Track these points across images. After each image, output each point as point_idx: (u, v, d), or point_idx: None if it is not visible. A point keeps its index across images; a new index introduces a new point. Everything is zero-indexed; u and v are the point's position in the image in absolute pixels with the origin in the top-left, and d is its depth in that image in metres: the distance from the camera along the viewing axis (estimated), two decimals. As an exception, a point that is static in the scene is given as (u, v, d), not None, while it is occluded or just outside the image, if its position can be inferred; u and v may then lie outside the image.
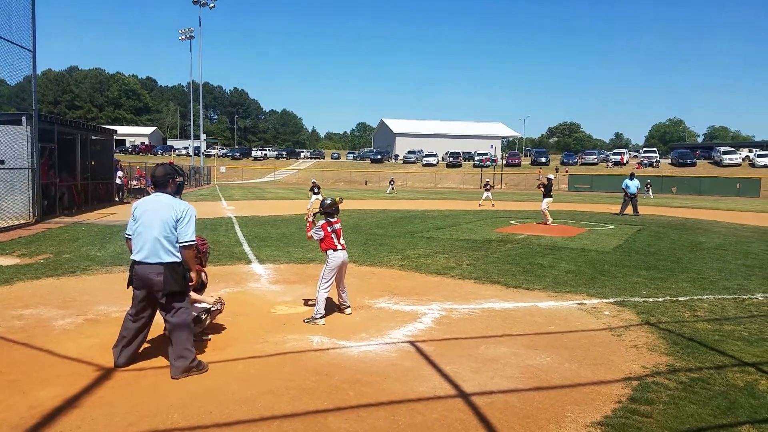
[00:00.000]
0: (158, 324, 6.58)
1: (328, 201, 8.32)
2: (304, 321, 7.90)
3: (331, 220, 8.19)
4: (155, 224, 5.84)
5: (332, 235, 8.11)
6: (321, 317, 7.86)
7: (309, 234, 8.24)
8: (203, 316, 6.96)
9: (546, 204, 23.04)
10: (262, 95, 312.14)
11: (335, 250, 8.09)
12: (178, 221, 5.86)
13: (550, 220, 22.83)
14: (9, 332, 7.15)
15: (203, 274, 7.24)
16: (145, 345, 6.46)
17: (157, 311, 6.14)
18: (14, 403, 5.06)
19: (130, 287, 6.12)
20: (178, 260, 5.92)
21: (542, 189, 23.43)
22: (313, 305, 8.08)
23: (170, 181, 6.13)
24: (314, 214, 8.39)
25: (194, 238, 5.99)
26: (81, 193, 25.69)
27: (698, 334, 7.51)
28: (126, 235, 6.13)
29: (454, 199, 46.42)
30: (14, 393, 5.27)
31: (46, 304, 8.58)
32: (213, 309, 7.09)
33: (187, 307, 6.05)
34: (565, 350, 6.86)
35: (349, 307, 8.44)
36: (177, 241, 5.89)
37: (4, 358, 6.21)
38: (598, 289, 10.23)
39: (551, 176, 23.78)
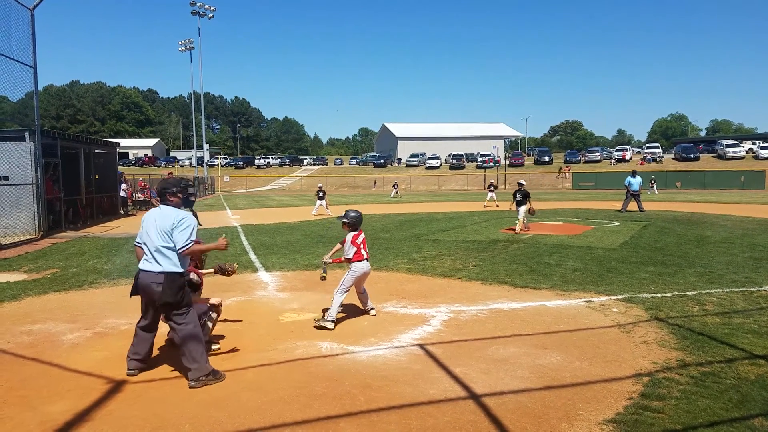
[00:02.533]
0: (163, 334, 6.60)
1: (353, 213, 8.32)
2: (314, 325, 7.90)
3: (356, 233, 8.23)
4: (153, 234, 5.97)
5: (360, 246, 8.15)
6: (331, 321, 7.84)
7: (343, 258, 8.24)
8: (207, 322, 6.98)
9: (522, 212, 19.44)
10: (263, 104, 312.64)
11: (361, 260, 8.12)
12: (173, 229, 5.93)
13: (518, 228, 19.17)
14: (18, 348, 7.16)
15: (195, 275, 7.23)
16: (155, 356, 6.48)
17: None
18: (25, 418, 5.06)
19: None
20: (178, 270, 5.97)
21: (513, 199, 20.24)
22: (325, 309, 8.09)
23: (167, 194, 6.21)
24: (325, 263, 8.33)
25: (189, 243, 5.99)
26: (86, 207, 25.74)
27: (707, 328, 7.48)
28: (135, 243, 6.25)
29: (458, 200, 46.43)
30: (25, 408, 5.28)
31: (54, 318, 8.59)
32: (211, 312, 7.08)
33: (193, 317, 6.06)
34: (574, 348, 6.84)
35: (373, 308, 8.53)
36: (177, 249, 5.96)
37: (14, 374, 6.22)
38: (606, 287, 10.20)
39: (522, 181, 20.68)
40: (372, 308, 8.51)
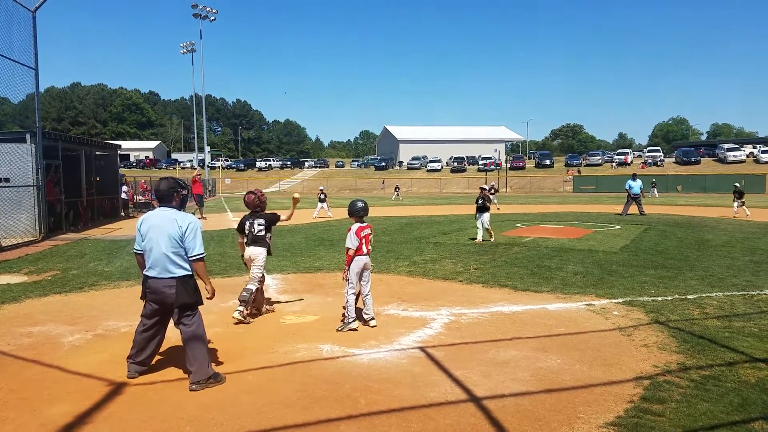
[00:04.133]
0: (168, 337, 6.59)
1: (360, 204, 8.25)
2: (337, 330, 7.87)
3: (362, 225, 8.12)
4: (162, 240, 5.86)
5: (363, 241, 8.01)
6: (353, 320, 7.85)
7: (346, 250, 8.10)
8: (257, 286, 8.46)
9: (485, 221, 17.69)
10: (264, 106, 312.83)
11: (359, 255, 8.01)
12: (183, 236, 5.87)
13: (479, 236, 17.68)
14: (19, 350, 7.16)
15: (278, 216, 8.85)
16: (156, 358, 6.47)
17: (170, 323, 6.19)
18: (25, 421, 5.06)
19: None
20: (189, 273, 5.97)
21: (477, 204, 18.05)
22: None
23: (174, 194, 6.13)
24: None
25: (202, 251, 5.98)
26: (87, 209, 25.75)
27: (708, 332, 7.48)
28: (135, 251, 6.15)
29: (459, 203, 46.37)
30: (25, 411, 5.27)
31: (55, 321, 8.58)
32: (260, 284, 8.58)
33: (199, 319, 6.06)
34: (575, 351, 6.84)
35: (373, 318, 8.18)
36: (186, 255, 5.91)
37: (14, 376, 6.22)
38: (607, 290, 10.20)
39: (485, 186, 18.91)
40: (372, 318, 8.17)
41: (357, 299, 8.07)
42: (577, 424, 4.86)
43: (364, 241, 8.04)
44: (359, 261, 8.02)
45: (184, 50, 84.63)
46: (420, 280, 11.55)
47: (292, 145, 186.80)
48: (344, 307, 7.99)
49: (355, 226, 8.07)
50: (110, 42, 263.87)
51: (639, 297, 9.62)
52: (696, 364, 6.26)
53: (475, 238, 17.78)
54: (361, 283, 8.17)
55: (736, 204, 27.53)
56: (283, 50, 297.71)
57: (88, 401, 5.46)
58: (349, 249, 7.99)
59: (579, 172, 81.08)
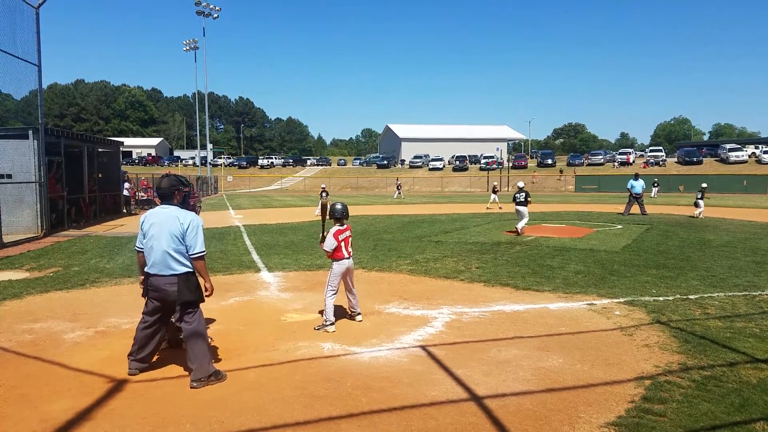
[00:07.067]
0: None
1: (339, 206, 8.24)
2: (314, 329, 7.89)
3: (341, 227, 8.12)
4: (163, 237, 5.89)
5: (341, 244, 8.01)
6: (331, 324, 7.84)
7: (321, 246, 8.11)
8: None
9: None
10: (267, 104, 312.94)
11: (340, 259, 8.03)
12: (185, 233, 5.88)
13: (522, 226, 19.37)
14: (20, 346, 7.17)
15: None
16: (157, 355, 6.47)
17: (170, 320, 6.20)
18: (26, 416, 5.07)
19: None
20: (191, 270, 5.99)
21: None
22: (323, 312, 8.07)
23: (176, 192, 6.14)
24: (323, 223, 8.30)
25: (203, 249, 6.01)
26: (89, 205, 25.75)
27: (710, 332, 7.47)
28: (137, 248, 6.17)
29: (461, 202, 46.36)
30: (26, 407, 5.28)
31: (56, 317, 8.60)
32: None
33: (200, 317, 6.06)
34: (576, 351, 6.83)
35: (359, 314, 8.37)
36: (187, 253, 5.91)
37: (15, 372, 6.23)
38: (608, 289, 10.19)
39: (521, 183, 20.13)
40: (359, 314, 8.35)
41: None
42: (578, 423, 4.86)
43: (343, 244, 8.06)
44: (342, 265, 8.05)
45: (187, 47, 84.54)
46: (421, 279, 11.54)
47: (295, 143, 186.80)
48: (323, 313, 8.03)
49: (334, 228, 8.09)
50: (113, 39, 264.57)
51: (640, 297, 9.61)
52: (697, 364, 6.26)
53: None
54: (347, 287, 8.28)
55: (702, 203, 26.24)
56: (286, 48, 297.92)
57: (89, 398, 5.47)
58: (326, 252, 8.03)
59: (561, 171, 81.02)
